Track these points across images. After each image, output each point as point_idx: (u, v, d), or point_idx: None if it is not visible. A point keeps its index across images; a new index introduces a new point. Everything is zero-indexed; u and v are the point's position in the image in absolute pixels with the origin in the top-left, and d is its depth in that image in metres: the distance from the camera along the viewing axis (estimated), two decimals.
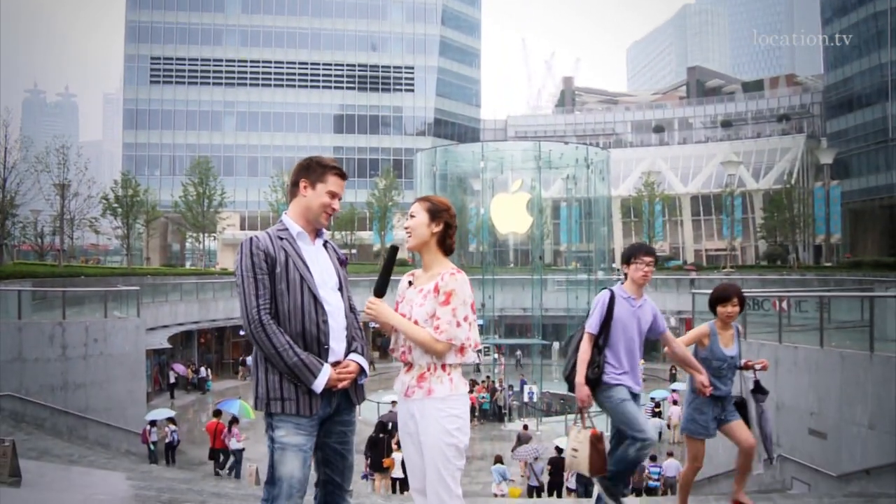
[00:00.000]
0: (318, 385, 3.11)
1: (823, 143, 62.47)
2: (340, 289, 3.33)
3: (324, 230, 3.41)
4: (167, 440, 19.96)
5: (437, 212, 3.35)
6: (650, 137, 77.88)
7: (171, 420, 20.42)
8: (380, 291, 3.29)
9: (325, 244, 3.40)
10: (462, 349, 3.23)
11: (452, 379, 3.23)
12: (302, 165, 3.35)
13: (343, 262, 3.41)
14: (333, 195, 3.31)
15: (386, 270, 3.33)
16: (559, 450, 15.89)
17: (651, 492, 16.36)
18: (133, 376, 19.01)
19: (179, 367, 32.43)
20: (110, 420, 17.64)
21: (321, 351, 3.19)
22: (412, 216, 3.37)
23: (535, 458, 16.45)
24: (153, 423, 18.64)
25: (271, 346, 3.08)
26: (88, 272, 39.03)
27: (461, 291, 3.21)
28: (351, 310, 3.34)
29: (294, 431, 3.13)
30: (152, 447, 18.36)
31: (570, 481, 15.46)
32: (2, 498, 5.78)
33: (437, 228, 3.35)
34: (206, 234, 55.03)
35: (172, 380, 31.31)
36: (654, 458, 17.23)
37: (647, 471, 16.75)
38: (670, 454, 17.96)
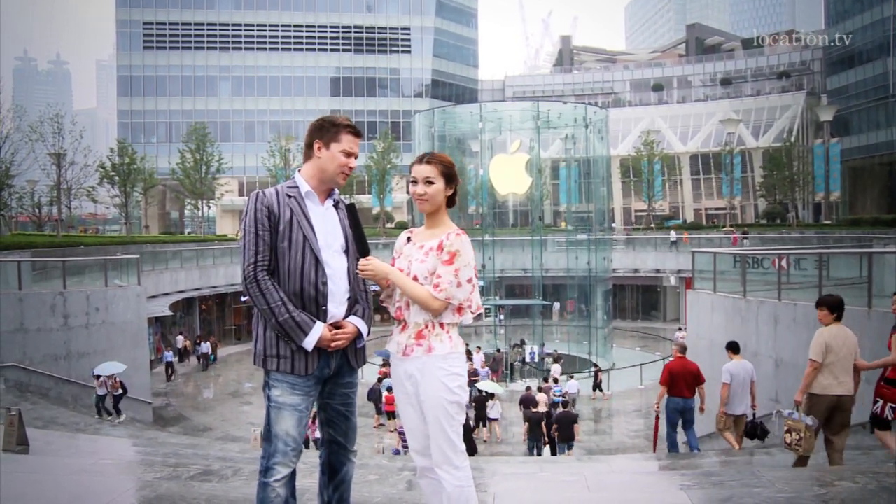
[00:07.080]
0: (309, 343, 3.12)
1: (823, 101, 61.91)
2: (346, 251, 3.30)
3: (336, 190, 3.38)
4: (117, 392, 18.42)
5: (451, 175, 3.28)
6: (649, 96, 77.23)
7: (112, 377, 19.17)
8: (364, 252, 3.22)
9: (336, 205, 3.37)
10: (460, 309, 3.20)
11: (451, 337, 3.20)
12: (315, 126, 3.32)
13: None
14: (349, 154, 3.28)
15: (358, 231, 3.27)
16: (479, 391, 20.26)
17: (556, 406, 19.92)
18: (135, 344, 19.14)
19: (167, 354, 30.54)
20: None
21: (319, 312, 3.18)
22: (430, 182, 3.24)
23: None
24: (97, 376, 17.23)
25: (264, 301, 3.09)
26: (87, 241, 39.05)
27: (465, 253, 3.15)
28: (357, 273, 3.30)
29: (290, 392, 3.16)
30: (94, 399, 17.16)
31: (492, 412, 19.97)
32: (11, 466, 5.84)
33: (450, 192, 3.30)
34: (204, 201, 54.85)
35: (170, 358, 30.02)
36: (556, 381, 22.14)
37: (552, 391, 20.98)
38: (571, 376, 23.38)
